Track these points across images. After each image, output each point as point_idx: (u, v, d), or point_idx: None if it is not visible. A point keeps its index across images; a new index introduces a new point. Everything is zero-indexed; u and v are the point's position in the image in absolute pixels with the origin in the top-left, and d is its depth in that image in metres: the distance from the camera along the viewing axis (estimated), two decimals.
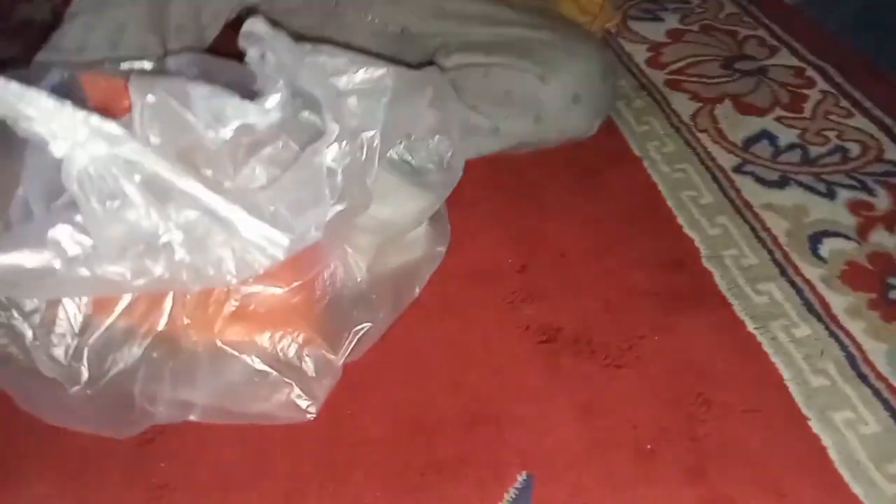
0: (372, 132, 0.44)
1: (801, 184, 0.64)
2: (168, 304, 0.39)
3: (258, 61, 0.39)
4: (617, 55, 0.82)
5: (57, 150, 0.31)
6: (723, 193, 0.63)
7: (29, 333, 0.37)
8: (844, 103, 0.73)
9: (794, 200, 0.62)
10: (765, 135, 0.69)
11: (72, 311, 0.38)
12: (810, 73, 0.78)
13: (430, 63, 0.64)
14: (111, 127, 0.32)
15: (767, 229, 0.59)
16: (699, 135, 0.70)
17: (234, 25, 0.68)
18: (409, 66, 0.51)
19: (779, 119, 0.71)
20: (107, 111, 0.48)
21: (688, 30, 0.87)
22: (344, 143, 0.39)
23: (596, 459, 0.44)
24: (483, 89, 0.62)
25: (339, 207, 0.40)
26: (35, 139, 0.32)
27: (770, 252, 0.57)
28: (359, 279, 0.47)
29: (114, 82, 0.47)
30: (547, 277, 0.57)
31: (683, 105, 0.74)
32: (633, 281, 0.56)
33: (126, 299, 0.38)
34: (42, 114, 0.31)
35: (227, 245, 0.35)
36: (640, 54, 0.83)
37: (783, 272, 0.56)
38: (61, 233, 0.32)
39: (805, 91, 0.75)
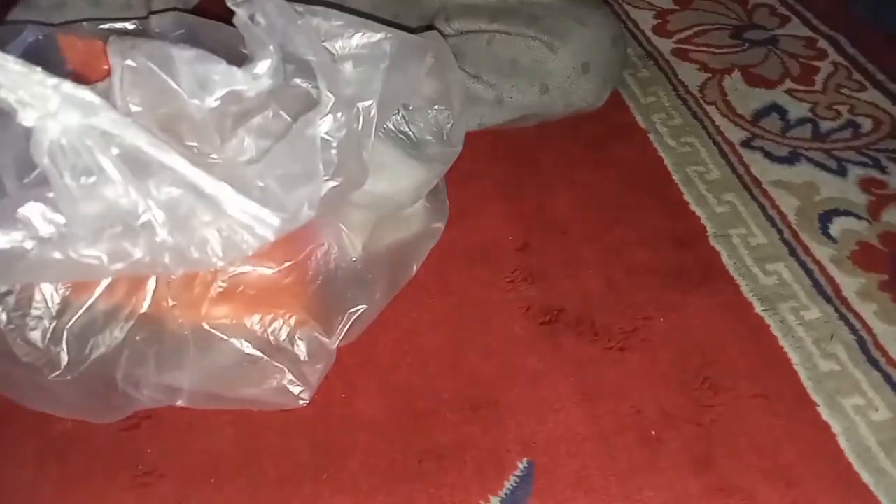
0: (369, 101, 0.41)
1: (811, 160, 0.62)
2: (151, 284, 0.37)
3: (247, 24, 0.36)
4: (622, 21, 0.79)
5: (26, 119, 0.29)
6: (731, 169, 0.61)
7: (3, 317, 0.35)
8: (857, 76, 0.71)
9: (803, 177, 0.60)
10: (774, 108, 0.67)
11: (48, 293, 0.35)
12: (822, 43, 0.75)
13: (431, 28, 0.61)
14: (86, 94, 0.30)
15: (776, 207, 0.57)
16: (707, 107, 0.67)
17: None
18: (409, 30, 0.48)
19: (789, 92, 0.69)
20: (85, 76, 0.45)
21: None
22: (339, 113, 0.37)
23: (599, 446, 0.43)
24: (487, 57, 0.59)
25: (333, 183, 0.38)
26: (3, 107, 0.29)
27: (779, 231, 0.56)
28: (353, 258, 0.45)
29: (93, 44, 0.44)
30: (548, 255, 0.55)
31: (691, 76, 0.71)
32: (637, 259, 0.54)
33: (107, 280, 0.35)
34: (9, 79, 0.28)
35: (213, 225, 0.32)
36: (646, 21, 0.79)
37: (792, 252, 0.54)
38: (32, 211, 0.30)
39: (816, 63, 0.73)
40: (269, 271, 0.39)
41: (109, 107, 0.30)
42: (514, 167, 0.62)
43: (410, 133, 0.50)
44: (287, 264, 0.39)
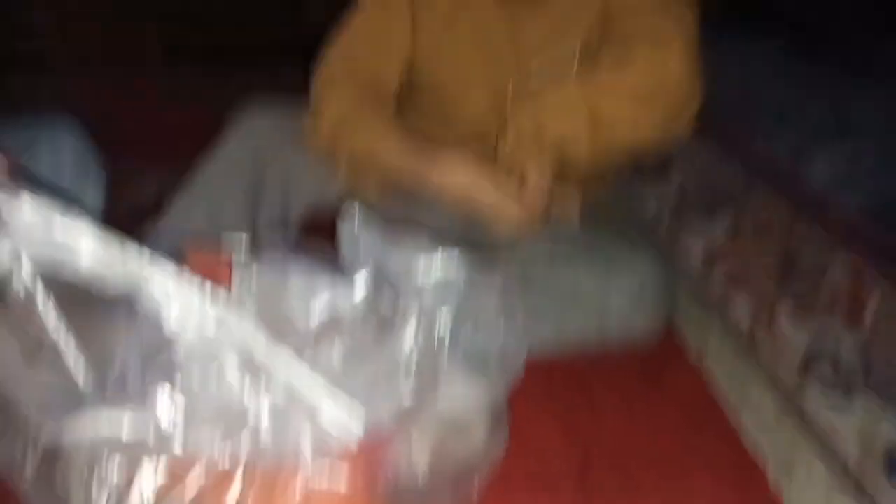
0: (444, 318, 0.46)
1: (868, 401, 0.62)
2: (237, 487, 0.40)
3: (351, 243, 0.43)
4: (673, 256, 0.86)
5: (170, 320, 0.35)
6: (786, 404, 0.62)
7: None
8: None
9: (861, 415, 0.60)
10: (828, 344, 0.69)
11: (147, 484, 0.38)
12: (869, 281, 0.79)
13: (500, 249, 0.68)
14: (221, 303, 0.36)
15: (835, 445, 0.57)
16: (759, 340, 0.70)
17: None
18: (481, 249, 0.54)
19: (841, 327, 0.71)
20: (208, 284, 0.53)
21: (741, 231, 0.90)
22: (420, 326, 0.42)
23: None
24: (549, 285, 0.64)
25: (411, 395, 0.42)
26: (149, 308, 0.36)
27: (843, 468, 0.55)
28: (418, 477, 0.47)
29: (215, 258, 0.52)
30: (605, 484, 0.55)
31: (742, 309, 0.75)
32: (695, 487, 0.54)
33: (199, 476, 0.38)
34: (163, 286, 0.35)
35: (306, 428, 0.36)
36: (696, 253, 0.85)
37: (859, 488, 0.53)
38: (159, 398, 0.34)
39: (866, 297, 0.75)
40: (341, 487, 0.41)
41: (240, 320, 0.36)
42: (570, 393, 0.65)
43: (477, 351, 0.54)
44: (358, 480, 0.41)
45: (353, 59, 0.76)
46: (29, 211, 0.35)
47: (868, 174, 0.97)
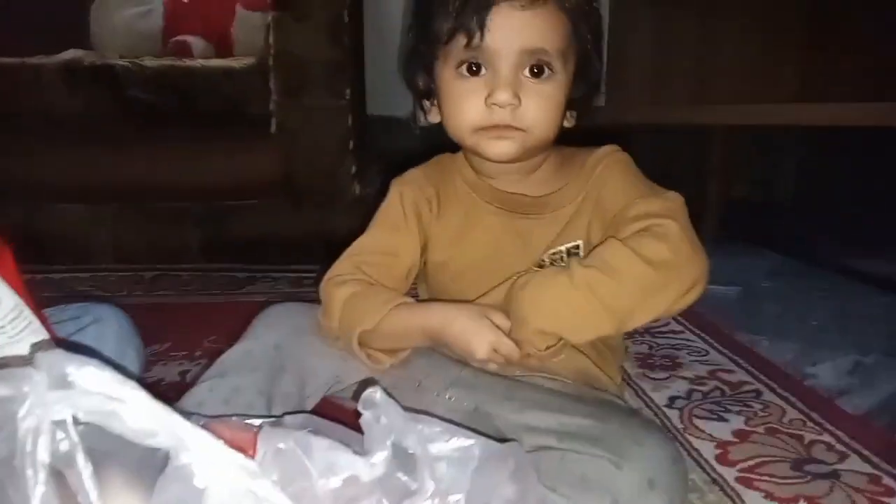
0: (458, 496, 0.48)
1: None
2: None
3: (371, 423, 0.46)
4: (686, 450, 0.86)
5: (201, 481, 0.37)
6: None
7: None
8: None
9: None
10: None
11: None
12: (887, 481, 0.78)
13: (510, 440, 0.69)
14: (253, 468, 0.38)
15: None
16: None
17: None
18: (492, 438, 0.56)
19: None
20: None
21: (753, 431, 0.91)
22: (436, 500, 0.43)
23: None
24: (559, 472, 0.64)
25: None
26: (180, 469, 0.38)
27: None
28: None
29: (237, 433, 0.54)
30: None
31: (757, 503, 0.74)
32: None
33: None
34: (198, 447, 0.37)
35: None
36: (708, 451, 0.86)
37: None
38: None
39: (885, 499, 0.75)
40: None
41: (266, 477, 0.38)
42: None
43: None
44: None
45: (361, 265, 0.83)
46: (90, 372, 0.39)
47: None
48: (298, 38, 1.57)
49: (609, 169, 0.82)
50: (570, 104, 0.81)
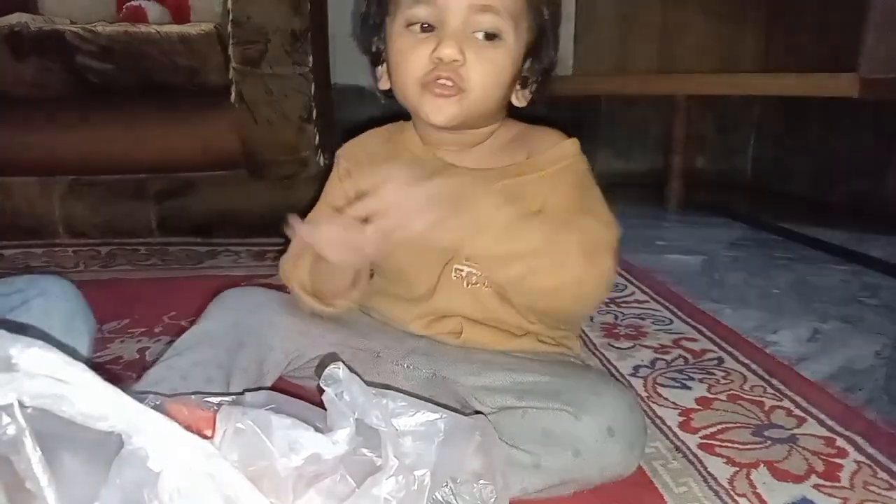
0: (424, 471, 0.47)
1: None
2: None
3: (334, 399, 0.45)
4: (650, 419, 0.87)
5: (156, 464, 0.35)
6: None
7: None
8: (882, 475, 0.74)
9: None
10: (805, 502, 0.69)
11: None
12: (840, 443, 0.80)
13: (467, 406, 0.70)
14: (210, 449, 0.37)
15: None
16: (738, 499, 0.70)
17: None
18: (453, 410, 0.56)
19: (816, 487, 0.72)
20: None
21: (715, 398, 0.92)
22: (400, 476, 0.43)
23: None
24: (522, 429, 0.66)
25: None
26: (134, 453, 0.36)
27: None
28: None
29: (196, 413, 0.53)
30: None
31: (719, 469, 0.76)
32: None
33: None
34: (152, 429, 0.36)
35: None
36: (671, 418, 0.87)
37: None
38: None
39: (838, 460, 0.77)
40: None
41: (224, 458, 0.37)
42: None
43: None
44: None
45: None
46: (35, 353, 0.37)
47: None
48: (258, 4, 1.52)
49: (566, 174, 0.78)
50: (522, 81, 0.79)
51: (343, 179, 0.86)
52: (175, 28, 1.59)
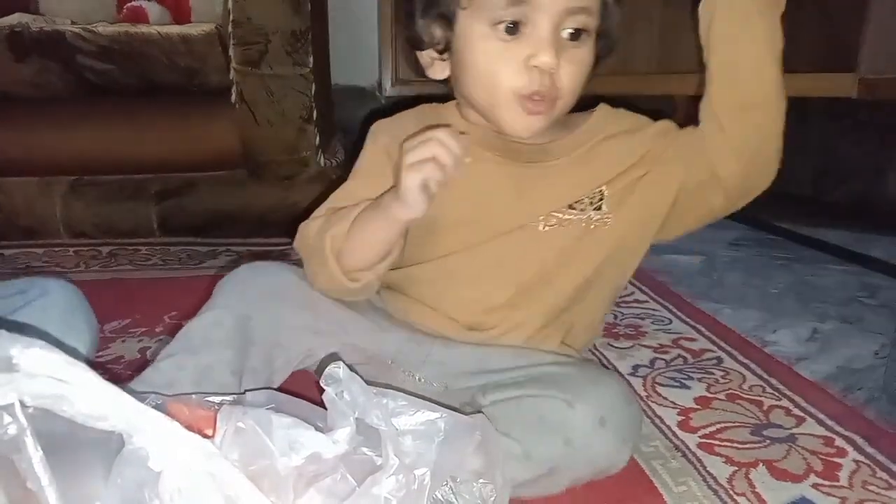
0: (424, 470, 0.47)
1: None
2: None
3: (334, 398, 0.45)
4: (649, 418, 0.87)
5: (156, 464, 0.36)
6: None
7: None
8: (881, 474, 0.74)
9: None
10: (804, 502, 0.70)
11: None
12: (839, 442, 0.80)
13: (477, 410, 0.69)
14: (210, 449, 0.37)
15: None
16: (737, 498, 0.70)
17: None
18: (458, 410, 0.56)
19: (815, 486, 0.72)
20: None
21: (714, 397, 0.92)
22: (401, 475, 0.43)
23: None
24: (516, 417, 0.65)
25: None
26: (135, 452, 0.37)
27: None
28: None
29: (197, 412, 0.53)
30: None
31: (718, 468, 0.76)
32: None
33: None
34: (152, 429, 0.36)
35: None
36: (670, 418, 0.87)
37: None
38: None
39: (837, 460, 0.77)
40: None
41: (224, 457, 0.37)
42: None
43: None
44: None
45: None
46: (36, 353, 0.37)
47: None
48: (258, 4, 1.52)
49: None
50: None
51: (384, 155, 0.79)
52: (175, 28, 1.59)
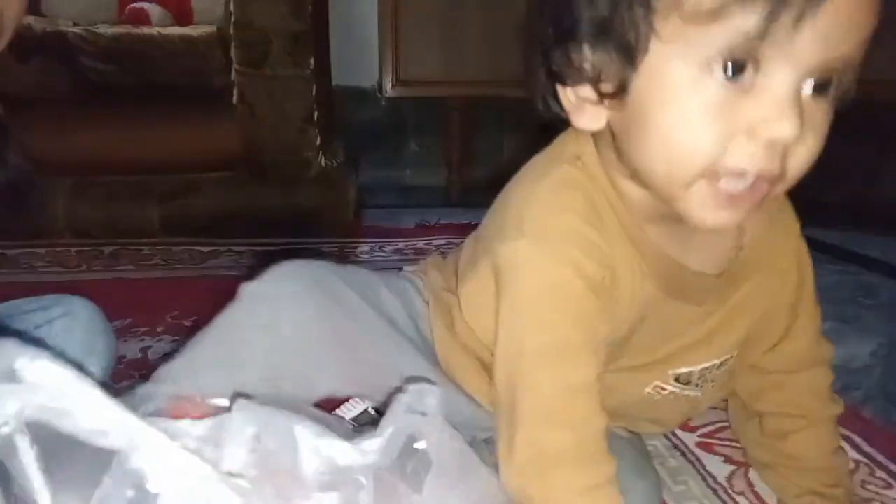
0: None
1: None
2: None
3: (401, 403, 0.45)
4: None
5: (154, 486, 0.36)
6: None
7: None
8: (880, 473, 0.75)
9: None
10: None
11: None
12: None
13: None
14: (210, 472, 0.37)
15: None
16: (736, 497, 0.71)
17: None
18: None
19: None
20: None
21: None
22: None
23: None
24: None
25: None
26: (131, 472, 0.37)
27: None
28: None
29: (203, 415, 0.54)
30: None
31: (717, 467, 0.77)
32: None
33: None
34: (154, 450, 0.36)
35: None
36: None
37: None
38: None
39: None
40: None
41: (225, 481, 0.37)
42: None
43: None
44: None
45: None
46: (41, 366, 0.37)
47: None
48: (259, 6, 1.53)
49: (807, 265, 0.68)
50: None
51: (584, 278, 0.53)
52: (177, 30, 1.60)
